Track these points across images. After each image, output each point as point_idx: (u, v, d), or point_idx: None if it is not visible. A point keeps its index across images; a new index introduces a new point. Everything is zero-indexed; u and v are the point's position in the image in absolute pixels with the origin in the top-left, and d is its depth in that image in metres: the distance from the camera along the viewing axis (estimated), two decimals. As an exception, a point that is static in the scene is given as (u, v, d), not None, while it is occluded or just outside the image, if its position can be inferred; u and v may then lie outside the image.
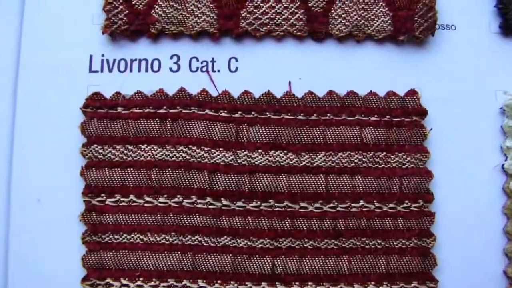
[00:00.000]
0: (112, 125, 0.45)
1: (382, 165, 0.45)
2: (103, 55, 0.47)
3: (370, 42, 0.47)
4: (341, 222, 0.45)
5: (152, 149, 0.45)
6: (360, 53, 0.47)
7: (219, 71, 0.47)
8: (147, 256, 0.44)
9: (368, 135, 0.46)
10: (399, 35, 0.46)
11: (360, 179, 0.45)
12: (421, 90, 0.47)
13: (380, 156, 0.46)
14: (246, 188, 0.44)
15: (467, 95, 0.47)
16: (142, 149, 0.45)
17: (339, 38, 0.47)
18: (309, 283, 0.45)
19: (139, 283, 0.44)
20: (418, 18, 0.46)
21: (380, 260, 0.45)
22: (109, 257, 0.44)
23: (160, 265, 0.44)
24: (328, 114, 0.46)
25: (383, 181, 0.45)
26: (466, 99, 0.47)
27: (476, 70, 0.48)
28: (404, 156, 0.46)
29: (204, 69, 0.47)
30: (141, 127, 0.45)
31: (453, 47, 0.48)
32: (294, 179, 0.45)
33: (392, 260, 0.45)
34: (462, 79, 0.48)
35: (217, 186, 0.44)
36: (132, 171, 0.44)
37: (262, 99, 0.46)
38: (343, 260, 0.45)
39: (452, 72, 0.47)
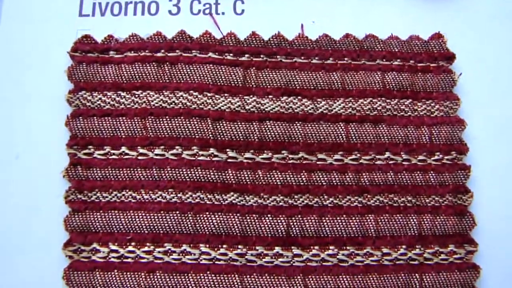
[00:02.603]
0: (103, 70, 0.40)
1: (409, 113, 0.40)
2: (94, -2, 0.42)
3: (390, -16, 0.43)
4: (365, 176, 0.39)
5: (148, 96, 0.39)
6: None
7: (223, 13, 0.42)
8: (140, 217, 0.38)
9: (391, 80, 0.41)
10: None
11: (385, 128, 0.40)
12: (446, 35, 0.42)
13: (406, 103, 0.40)
14: (256, 138, 0.39)
15: (497, 39, 0.43)
16: (137, 95, 0.39)
17: (355, -21, 0.43)
18: (330, 247, 0.38)
19: (130, 248, 0.38)
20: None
21: (411, 220, 0.39)
22: (96, 219, 0.38)
23: (156, 227, 0.38)
24: (346, 58, 0.41)
25: (411, 131, 0.40)
26: (496, 43, 0.43)
27: (504, 13, 0.43)
28: (432, 104, 0.41)
29: (207, 11, 0.42)
30: (135, 72, 0.40)
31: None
32: (310, 127, 0.39)
33: (425, 220, 0.39)
34: (490, 23, 0.43)
35: (222, 136, 0.39)
36: (125, 120, 0.39)
37: (272, 42, 0.41)
38: (369, 220, 0.39)
39: (479, 15, 0.43)
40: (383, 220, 0.39)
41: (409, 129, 0.40)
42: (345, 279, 0.38)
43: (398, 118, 0.40)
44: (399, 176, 0.39)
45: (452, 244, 0.39)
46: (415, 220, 0.39)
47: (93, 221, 0.38)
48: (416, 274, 0.38)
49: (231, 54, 0.40)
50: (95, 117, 0.39)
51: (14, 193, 0.39)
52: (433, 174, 0.39)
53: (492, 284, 0.39)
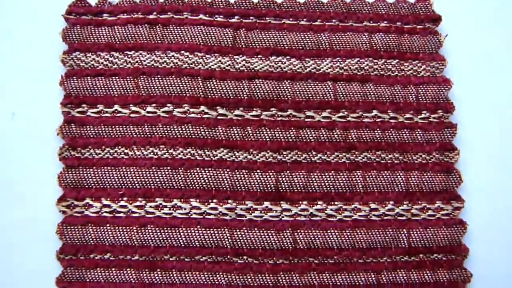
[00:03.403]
0: (97, 32, 0.41)
1: (395, 73, 0.41)
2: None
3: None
4: (352, 133, 0.40)
5: (140, 56, 0.40)
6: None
7: (214, -22, 0.43)
8: (132, 173, 0.39)
9: (378, 41, 0.41)
10: None
11: (372, 87, 0.40)
12: (432, -1, 0.43)
13: (393, 63, 0.41)
14: (245, 96, 0.40)
15: (482, 1, 0.43)
16: (129, 55, 0.40)
17: None
18: (319, 202, 0.39)
19: (122, 203, 0.38)
20: None
21: (399, 176, 0.39)
22: (89, 175, 0.39)
23: (147, 182, 0.38)
24: (334, 20, 0.42)
25: (398, 90, 0.41)
26: (482, 5, 0.43)
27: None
28: (419, 64, 0.41)
29: (198, -24, 0.43)
30: (128, 33, 0.41)
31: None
32: (298, 86, 0.40)
33: (412, 176, 0.39)
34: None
35: (212, 94, 0.40)
36: (117, 80, 0.40)
37: (261, 4, 0.42)
38: (357, 176, 0.39)
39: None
40: (370, 176, 0.39)
41: (396, 88, 0.41)
42: (333, 233, 0.39)
43: (385, 77, 0.41)
44: (386, 134, 0.40)
45: (439, 201, 0.40)
46: (402, 176, 0.39)
47: (86, 177, 0.39)
48: (404, 230, 0.39)
49: (221, 16, 0.41)
50: (88, 77, 0.40)
51: (9, 150, 0.39)
52: (420, 132, 0.40)
53: (478, 240, 0.40)
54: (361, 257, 0.39)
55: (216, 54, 0.40)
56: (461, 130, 0.41)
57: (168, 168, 0.39)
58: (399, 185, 0.39)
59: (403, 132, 0.40)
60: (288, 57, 0.41)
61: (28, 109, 0.40)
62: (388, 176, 0.39)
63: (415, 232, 0.39)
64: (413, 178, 0.39)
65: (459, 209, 0.40)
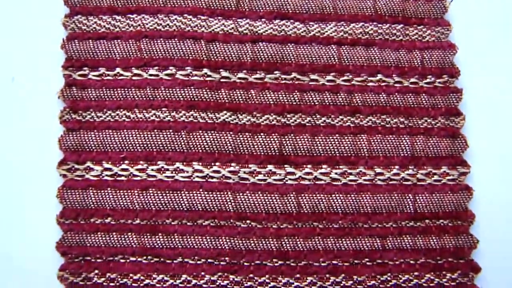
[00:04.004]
0: (99, -4, 0.40)
1: (400, 38, 0.41)
2: None
3: None
4: (357, 97, 0.39)
5: (143, 19, 0.40)
6: None
7: None
8: (134, 136, 0.38)
9: (383, 6, 0.41)
10: None
11: (377, 51, 0.40)
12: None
13: (397, 28, 0.41)
14: (249, 58, 0.39)
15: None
16: (132, 19, 0.40)
17: None
18: (323, 166, 0.38)
19: (124, 166, 0.38)
20: None
21: (404, 141, 0.39)
22: (90, 138, 0.38)
23: (149, 145, 0.38)
24: (338, -15, 0.41)
25: (402, 54, 0.40)
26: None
27: None
28: (424, 29, 0.41)
29: None
30: (130, -3, 0.40)
31: None
32: (302, 49, 0.40)
33: (418, 141, 0.39)
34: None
35: (215, 56, 0.39)
36: (119, 43, 0.39)
37: (264, -32, 0.41)
38: (361, 140, 0.39)
39: None
40: (375, 140, 0.39)
41: (401, 52, 0.40)
42: (338, 197, 0.38)
43: (390, 42, 0.40)
44: (391, 98, 0.39)
45: (445, 166, 0.39)
46: (407, 141, 0.39)
47: (87, 140, 0.38)
48: (410, 195, 0.38)
49: (224, -20, 0.41)
50: (90, 40, 0.39)
51: (10, 114, 0.39)
52: (425, 97, 0.40)
53: (484, 206, 0.39)
54: (366, 222, 0.38)
55: (219, 17, 0.40)
56: (466, 95, 0.40)
57: (171, 131, 0.38)
58: (405, 150, 0.39)
59: (408, 96, 0.40)
60: (292, 20, 0.40)
61: (29, 72, 0.39)
62: (393, 140, 0.39)
63: (420, 197, 0.38)
64: (418, 143, 0.39)
65: (465, 175, 0.39)
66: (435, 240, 0.38)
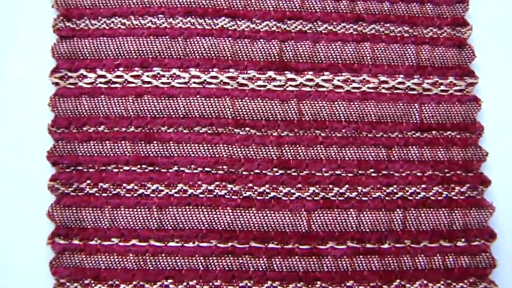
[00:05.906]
0: None
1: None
2: None
3: None
4: (360, 4, 0.38)
5: None
6: None
7: None
8: (129, 42, 0.37)
9: None
10: None
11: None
12: None
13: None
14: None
15: None
16: None
17: None
18: (325, 73, 0.37)
19: (118, 73, 0.36)
20: None
21: (409, 49, 0.38)
22: (83, 45, 0.37)
23: (144, 52, 0.37)
24: None
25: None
26: None
27: None
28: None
29: None
30: None
31: None
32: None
33: (423, 50, 0.38)
34: None
35: (213, -36, 0.38)
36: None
37: None
38: (365, 48, 0.37)
39: None
40: (379, 48, 0.37)
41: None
42: (341, 105, 0.36)
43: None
44: (395, 6, 0.38)
45: (452, 76, 0.38)
46: (413, 50, 0.38)
47: (81, 47, 0.37)
48: (416, 104, 0.37)
49: None
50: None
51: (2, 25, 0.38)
52: (431, 6, 0.38)
53: (493, 117, 0.38)
54: (371, 131, 0.36)
55: None
56: (472, 5, 0.39)
57: (167, 37, 0.37)
58: (410, 59, 0.37)
59: (413, 5, 0.38)
60: None
61: (22, -18, 0.39)
62: (397, 49, 0.37)
63: (427, 107, 0.37)
64: (424, 52, 0.38)
65: (473, 85, 0.38)
66: (442, 152, 0.36)
